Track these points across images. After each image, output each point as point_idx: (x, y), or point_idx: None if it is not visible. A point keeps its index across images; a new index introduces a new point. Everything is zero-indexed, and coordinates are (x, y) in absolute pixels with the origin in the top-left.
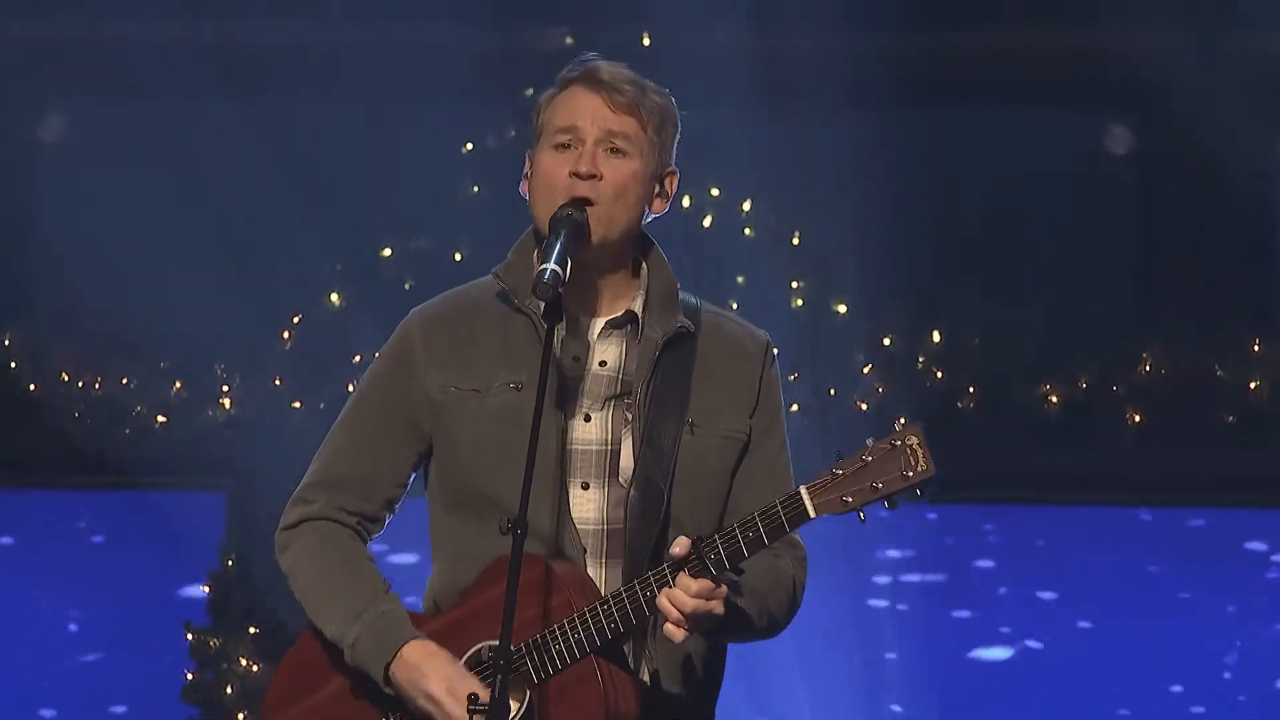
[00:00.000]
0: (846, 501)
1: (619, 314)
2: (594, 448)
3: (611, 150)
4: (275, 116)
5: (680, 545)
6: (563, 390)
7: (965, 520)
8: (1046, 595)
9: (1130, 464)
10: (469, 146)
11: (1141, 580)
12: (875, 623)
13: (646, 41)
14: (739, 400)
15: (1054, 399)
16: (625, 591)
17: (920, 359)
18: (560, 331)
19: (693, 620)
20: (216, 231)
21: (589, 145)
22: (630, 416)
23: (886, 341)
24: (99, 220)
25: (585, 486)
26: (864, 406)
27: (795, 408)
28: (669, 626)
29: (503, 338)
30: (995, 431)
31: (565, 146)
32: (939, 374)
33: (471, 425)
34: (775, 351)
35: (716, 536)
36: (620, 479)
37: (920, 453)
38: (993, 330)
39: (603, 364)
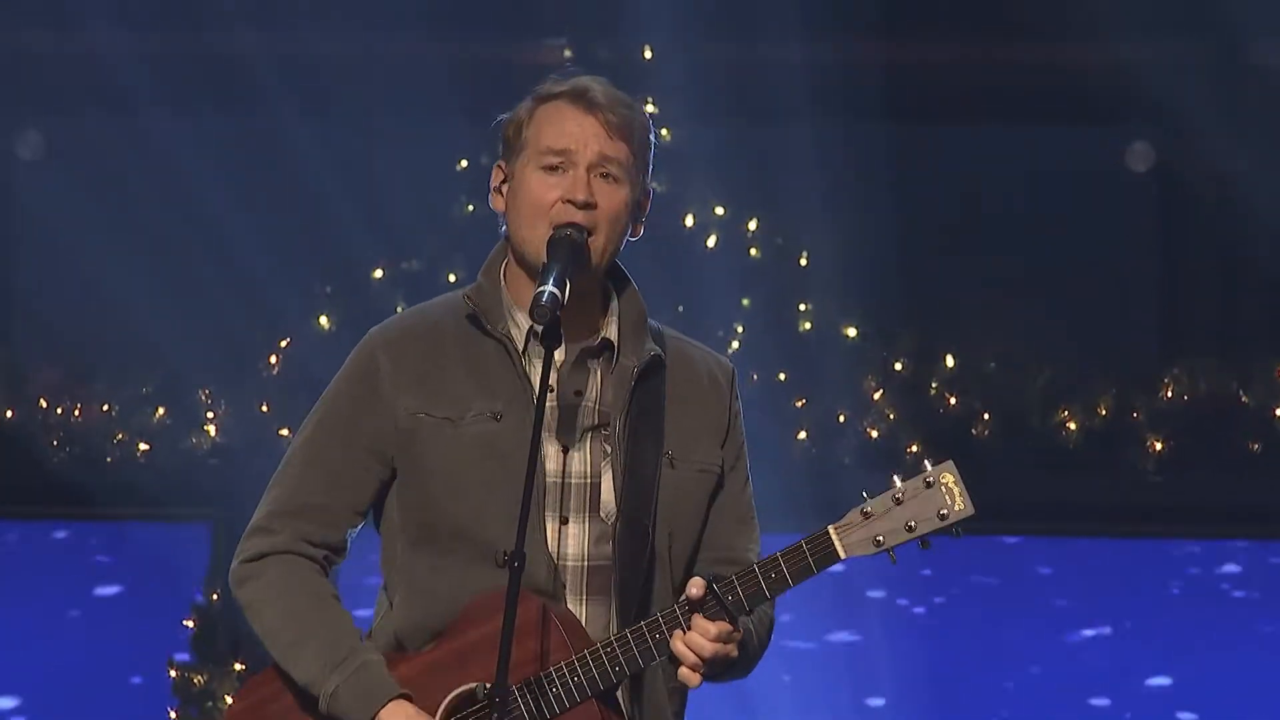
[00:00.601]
0: (879, 541)
1: (594, 342)
2: (574, 481)
3: (603, 176)
4: (261, 133)
5: (696, 586)
6: (539, 421)
7: (979, 552)
8: (1058, 633)
9: (1152, 493)
10: (463, 164)
11: (1164, 613)
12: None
13: (648, 54)
14: (711, 431)
15: (1072, 426)
16: (633, 634)
17: (933, 384)
18: (530, 361)
19: (709, 665)
20: (201, 252)
21: (581, 171)
22: (609, 449)
23: (898, 366)
24: (78, 241)
25: (565, 521)
26: (874, 434)
27: (803, 435)
28: (685, 671)
29: (472, 364)
30: (1011, 460)
31: (555, 169)
32: (952, 400)
33: (445, 455)
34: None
35: (734, 578)
36: (601, 513)
37: (957, 490)
38: (1008, 354)
39: (578, 394)
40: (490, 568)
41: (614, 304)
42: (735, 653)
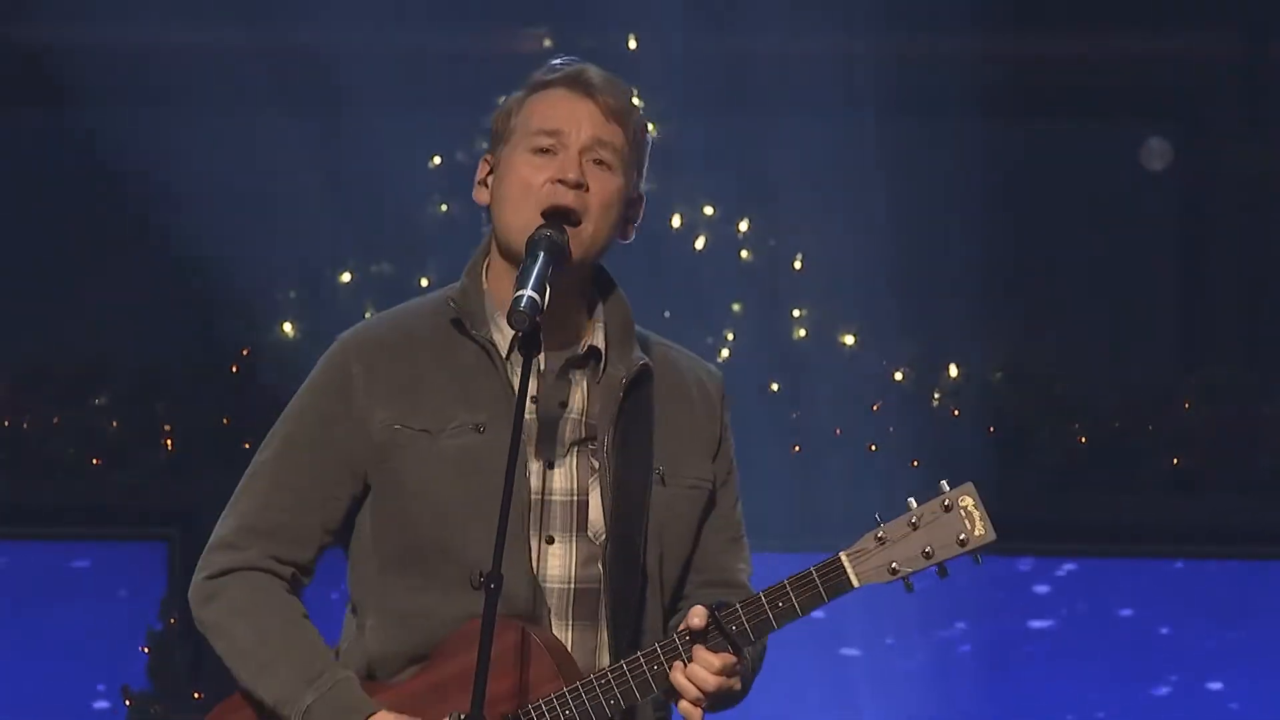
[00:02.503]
0: (895, 569)
1: (580, 350)
2: (559, 498)
3: (596, 161)
4: (222, 127)
5: (698, 616)
6: (524, 434)
7: (985, 571)
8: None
9: (1167, 512)
10: (436, 160)
11: (1177, 638)
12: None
13: (633, 45)
14: (702, 445)
15: (1083, 440)
16: (629, 665)
17: (936, 396)
18: (515, 369)
19: (712, 699)
20: (156, 254)
21: (573, 152)
22: (596, 464)
23: (898, 376)
24: (24, 242)
25: (551, 540)
26: (874, 448)
27: (798, 449)
28: (685, 705)
29: (453, 371)
30: (1018, 476)
31: (545, 151)
32: (956, 412)
33: (423, 471)
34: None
35: (739, 606)
36: (590, 533)
37: (977, 514)
38: (1015, 365)
39: (562, 405)
40: (472, 591)
41: (600, 310)
42: (738, 685)
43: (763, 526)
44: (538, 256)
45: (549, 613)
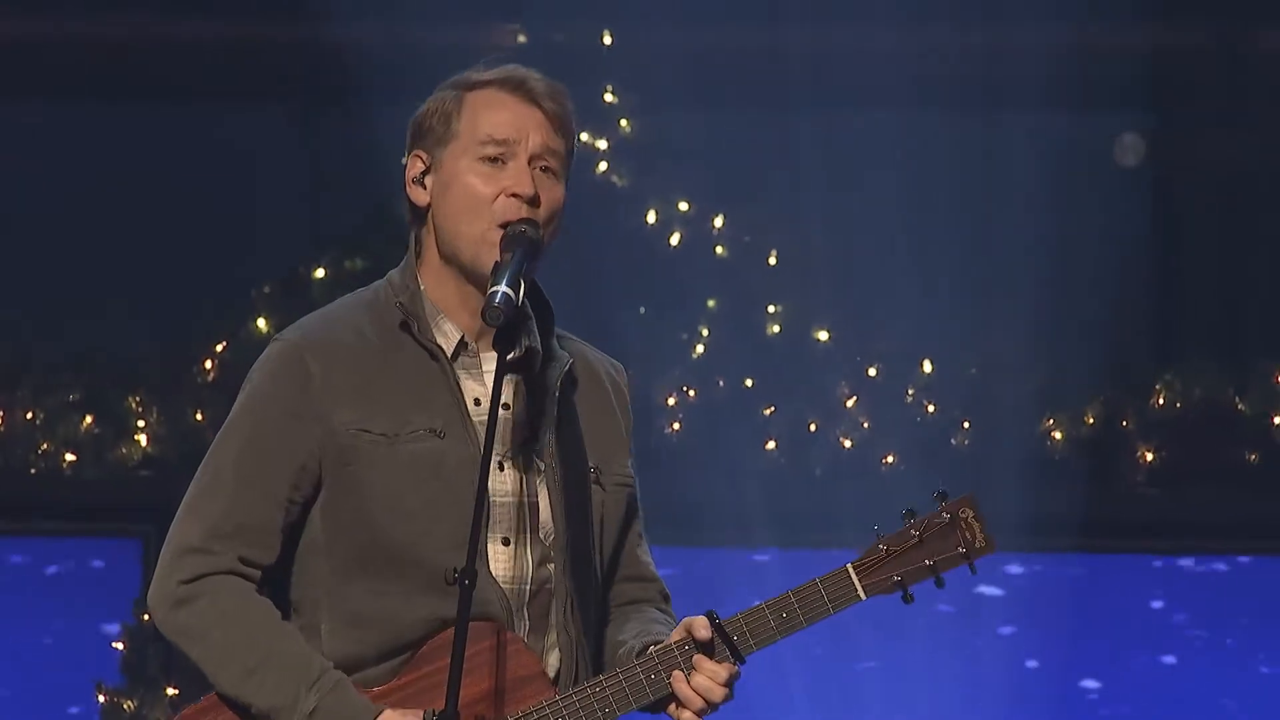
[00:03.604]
0: (897, 580)
1: (520, 352)
2: (510, 499)
3: (544, 169)
4: (194, 120)
5: (701, 627)
6: (476, 437)
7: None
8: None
9: (1141, 506)
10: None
11: (1155, 632)
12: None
13: (608, 40)
14: (621, 442)
15: (1058, 435)
16: (624, 674)
17: (910, 390)
18: (460, 372)
19: (713, 710)
20: (131, 248)
21: (523, 162)
22: (542, 465)
23: (872, 371)
24: None
25: (506, 542)
26: (847, 443)
27: (772, 445)
28: (689, 715)
29: (403, 375)
30: (992, 470)
31: (494, 160)
32: (930, 407)
33: (384, 475)
34: None
35: (740, 617)
36: (541, 534)
37: (978, 526)
38: (990, 358)
39: (506, 407)
40: (438, 594)
41: (528, 311)
42: (730, 697)
43: (737, 520)
44: (514, 253)
45: (508, 613)
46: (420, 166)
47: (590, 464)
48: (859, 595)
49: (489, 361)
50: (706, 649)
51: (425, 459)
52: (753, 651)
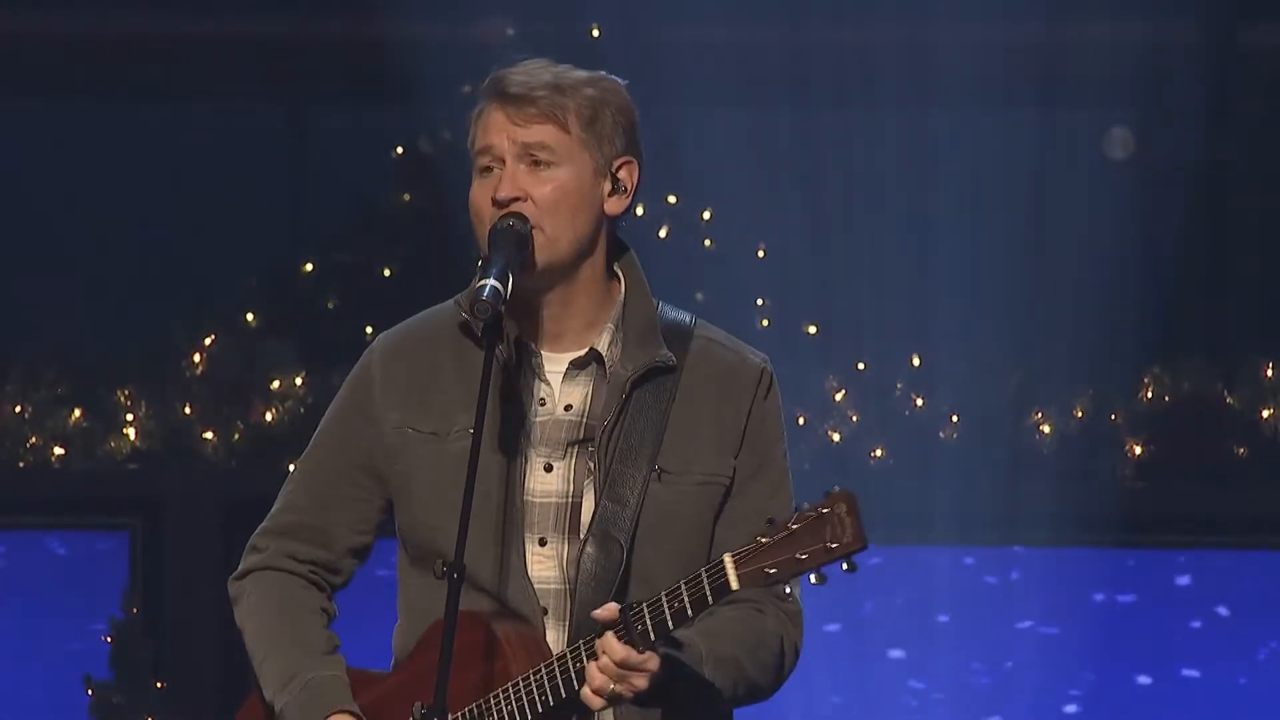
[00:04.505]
0: (769, 573)
1: (583, 352)
2: (553, 500)
3: (534, 163)
4: (182, 116)
5: (608, 611)
6: (522, 436)
7: (951, 563)
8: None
9: (1130, 501)
10: (399, 150)
11: (1144, 629)
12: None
13: (595, 33)
14: (722, 439)
15: (1046, 429)
16: (558, 660)
17: (898, 385)
18: (524, 370)
19: (612, 691)
20: (118, 242)
21: (509, 164)
22: (592, 465)
23: (860, 365)
24: None
25: (543, 543)
26: (836, 437)
27: None
28: (585, 692)
29: (463, 375)
30: (980, 465)
31: (487, 170)
32: (919, 401)
33: (428, 474)
34: (773, 379)
35: (644, 605)
36: (581, 534)
37: (848, 521)
38: (979, 353)
39: (568, 408)
40: (474, 592)
41: (616, 310)
42: (642, 683)
43: None
44: (500, 247)
45: (545, 614)
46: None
47: (655, 464)
48: (732, 585)
49: (552, 362)
50: (613, 631)
51: (465, 459)
52: (652, 639)
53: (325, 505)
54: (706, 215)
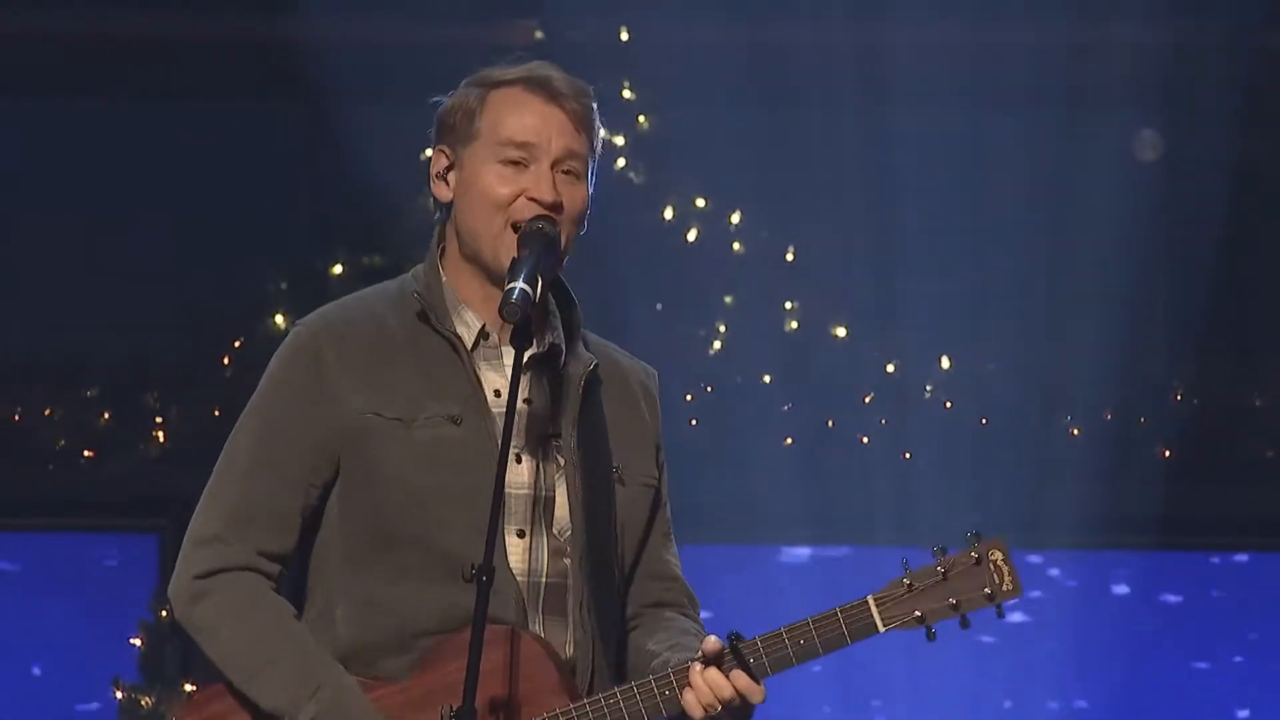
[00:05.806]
0: (918, 617)
1: (543, 348)
2: (525, 492)
3: (566, 172)
4: (212, 118)
5: (710, 644)
6: (493, 428)
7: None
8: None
9: (1159, 503)
10: (428, 153)
11: (1172, 629)
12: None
13: (625, 36)
14: (647, 443)
15: (1075, 431)
16: (639, 688)
17: (928, 387)
18: (479, 362)
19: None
20: (148, 245)
21: (545, 167)
22: (562, 460)
23: (890, 368)
24: (12, 233)
25: (521, 534)
26: (865, 440)
27: (790, 441)
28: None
29: (420, 363)
30: (1010, 468)
31: (516, 164)
32: (948, 404)
33: (398, 460)
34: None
35: (758, 641)
36: (555, 529)
37: (1006, 569)
38: (1007, 356)
39: (528, 401)
40: (451, 583)
41: (552, 308)
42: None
43: (755, 517)
44: (532, 250)
45: (523, 606)
46: (444, 162)
47: (613, 463)
48: (878, 628)
49: (510, 354)
50: (722, 667)
51: (439, 445)
52: (768, 675)
53: (288, 491)
54: (735, 218)
